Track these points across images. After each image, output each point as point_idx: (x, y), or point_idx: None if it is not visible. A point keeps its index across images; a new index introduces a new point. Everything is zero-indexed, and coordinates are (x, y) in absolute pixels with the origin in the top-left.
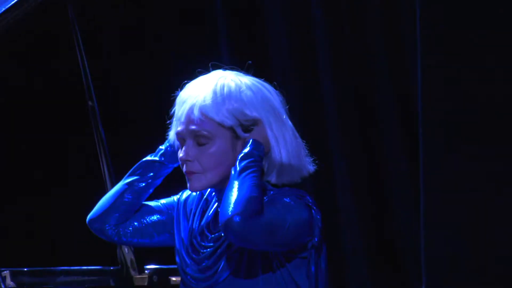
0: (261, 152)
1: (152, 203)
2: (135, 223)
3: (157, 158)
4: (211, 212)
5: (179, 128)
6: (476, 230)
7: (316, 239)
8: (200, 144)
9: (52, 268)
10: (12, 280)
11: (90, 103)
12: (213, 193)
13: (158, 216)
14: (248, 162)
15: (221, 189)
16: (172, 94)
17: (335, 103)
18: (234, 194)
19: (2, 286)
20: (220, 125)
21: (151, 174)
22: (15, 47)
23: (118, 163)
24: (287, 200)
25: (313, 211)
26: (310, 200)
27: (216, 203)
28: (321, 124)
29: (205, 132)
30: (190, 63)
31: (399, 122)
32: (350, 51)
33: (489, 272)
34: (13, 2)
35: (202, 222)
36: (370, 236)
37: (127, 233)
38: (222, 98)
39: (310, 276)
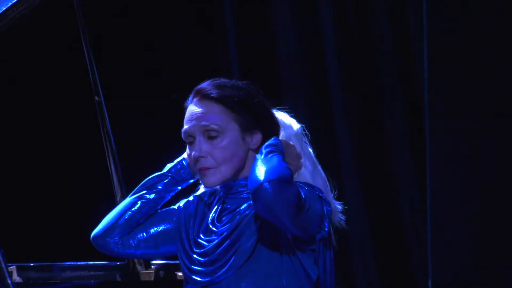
0: (282, 148)
1: (155, 214)
2: (139, 235)
3: (165, 173)
4: (214, 209)
5: (186, 126)
6: (482, 227)
7: (326, 230)
8: (210, 138)
9: (58, 263)
10: (18, 275)
11: (96, 98)
12: (216, 191)
13: (163, 226)
14: (273, 148)
15: (231, 182)
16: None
17: (342, 102)
18: (264, 165)
19: (9, 281)
20: (229, 114)
21: (159, 188)
22: (20, 43)
23: (126, 162)
24: (303, 186)
25: (324, 203)
26: (321, 193)
27: (221, 200)
28: (329, 120)
29: (215, 126)
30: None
31: (406, 118)
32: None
33: (494, 268)
34: None
35: (206, 220)
36: (377, 231)
37: (131, 244)
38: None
39: (318, 265)
